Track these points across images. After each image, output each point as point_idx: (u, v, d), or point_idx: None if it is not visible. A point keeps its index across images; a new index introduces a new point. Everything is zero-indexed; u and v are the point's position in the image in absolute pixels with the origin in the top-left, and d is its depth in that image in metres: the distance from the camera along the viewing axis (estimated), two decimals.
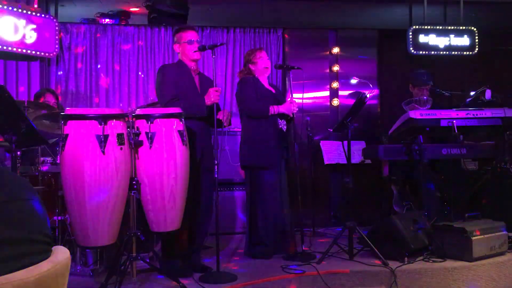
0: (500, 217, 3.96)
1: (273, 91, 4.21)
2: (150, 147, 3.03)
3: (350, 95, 6.06)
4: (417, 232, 3.83)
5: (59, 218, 3.63)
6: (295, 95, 4.72)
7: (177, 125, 3.11)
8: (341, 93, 6.11)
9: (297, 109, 4.07)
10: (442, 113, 4.15)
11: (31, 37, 4.91)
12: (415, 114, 4.09)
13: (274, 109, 3.99)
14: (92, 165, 2.79)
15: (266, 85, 4.18)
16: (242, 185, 5.15)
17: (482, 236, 3.69)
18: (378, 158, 4.43)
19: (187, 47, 3.61)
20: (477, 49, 5.87)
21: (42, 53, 5.06)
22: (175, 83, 3.54)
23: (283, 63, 5.69)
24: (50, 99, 4.56)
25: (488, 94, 4.37)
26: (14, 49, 4.82)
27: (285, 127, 4.11)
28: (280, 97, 4.24)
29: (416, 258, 3.72)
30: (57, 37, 5.11)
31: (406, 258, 3.65)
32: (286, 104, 4.04)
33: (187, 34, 3.63)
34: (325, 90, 6.09)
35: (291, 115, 4.05)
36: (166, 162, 3.05)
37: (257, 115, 4.02)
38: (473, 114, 4.17)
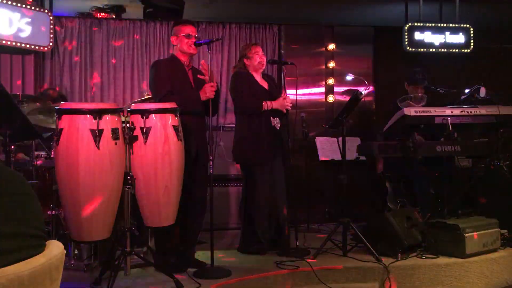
0: (493, 214, 3.98)
1: (266, 87, 4.18)
2: (145, 142, 3.03)
3: (345, 92, 6.07)
4: (411, 229, 3.85)
5: (53, 212, 3.62)
6: (290, 91, 4.72)
7: (172, 120, 3.11)
8: (336, 89, 6.11)
9: (290, 105, 4.05)
10: (437, 110, 4.16)
11: (25, 30, 4.87)
12: (409, 111, 4.10)
13: (267, 105, 3.98)
14: (86, 159, 2.78)
15: (260, 81, 4.17)
16: (237, 180, 5.16)
17: (475, 233, 3.71)
18: (373, 155, 4.45)
19: (184, 40, 3.60)
20: (472, 46, 5.89)
21: (37, 47, 5.02)
22: (169, 78, 3.53)
23: (278, 59, 5.68)
24: None
25: (482, 91, 4.39)
26: (9, 42, 4.79)
27: (278, 125, 4.09)
28: (274, 91, 4.21)
29: (410, 254, 3.74)
30: (51, 30, 5.08)
31: (399, 255, 3.67)
32: (279, 100, 4.02)
33: (185, 28, 3.62)
34: (321, 86, 6.10)
35: (285, 111, 4.04)
36: (161, 157, 3.05)
37: (249, 111, 4.01)
38: (468, 112, 4.19)
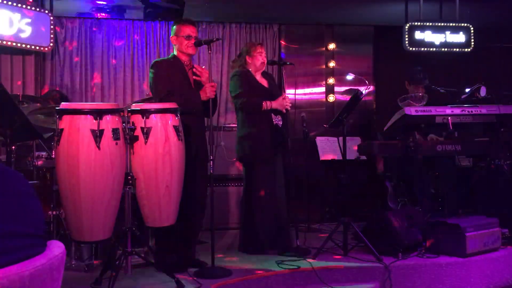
0: (494, 213, 3.98)
1: (266, 85, 4.18)
2: (146, 142, 3.03)
3: (346, 91, 6.07)
4: (411, 228, 3.85)
5: (54, 212, 3.63)
6: (291, 91, 4.73)
7: (173, 120, 3.11)
8: (337, 89, 6.12)
9: (290, 105, 4.06)
10: (437, 109, 4.16)
11: (26, 31, 4.88)
12: (410, 110, 4.10)
13: (266, 105, 3.98)
14: (87, 160, 2.78)
15: (259, 79, 4.17)
16: (237, 180, 5.16)
17: (476, 232, 3.71)
18: (373, 154, 4.45)
19: (184, 41, 3.59)
20: (472, 45, 5.89)
21: (37, 47, 5.03)
22: (168, 78, 3.53)
23: (277, 59, 5.68)
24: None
25: (483, 91, 4.38)
26: (9, 43, 4.79)
27: (280, 122, 4.10)
28: (274, 90, 4.21)
29: (410, 254, 3.74)
30: (52, 31, 5.08)
31: (400, 254, 3.67)
32: (278, 100, 4.03)
33: (185, 29, 3.61)
34: (321, 86, 6.10)
35: (284, 111, 4.05)
36: (161, 157, 3.05)
37: (250, 110, 4.01)
38: (468, 111, 4.19)
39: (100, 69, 5.65)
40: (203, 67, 3.69)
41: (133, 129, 3.04)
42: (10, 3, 4.74)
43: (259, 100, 3.97)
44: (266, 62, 4.18)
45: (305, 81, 5.92)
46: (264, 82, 4.17)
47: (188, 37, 3.59)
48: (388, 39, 6.23)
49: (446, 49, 5.86)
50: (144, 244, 3.42)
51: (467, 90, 4.56)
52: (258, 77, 4.16)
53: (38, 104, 3.92)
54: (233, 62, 4.32)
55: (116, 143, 2.88)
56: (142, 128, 3.03)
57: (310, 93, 6.04)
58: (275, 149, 4.04)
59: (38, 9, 5.00)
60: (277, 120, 4.08)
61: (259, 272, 3.44)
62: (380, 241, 3.77)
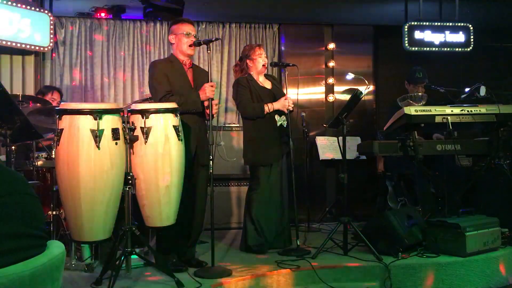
0: (494, 213, 3.98)
1: (270, 86, 4.19)
2: (145, 142, 3.03)
3: (345, 91, 6.07)
4: (411, 228, 3.85)
5: (54, 213, 3.63)
6: (291, 91, 4.73)
7: (172, 120, 3.11)
8: (336, 89, 6.12)
9: (292, 105, 4.06)
10: (437, 109, 4.16)
11: (25, 31, 4.88)
12: (409, 110, 4.10)
13: (268, 108, 4.00)
14: (87, 160, 2.77)
15: (262, 81, 4.18)
16: (237, 180, 5.18)
17: (476, 232, 3.71)
18: (373, 154, 4.44)
19: (183, 39, 3.58)
20: (472, 45, 5.89)
21: (37, 47, 5.03)
22: (167, 78, 3.52)
23: (278, 61, 5.69)
24: (56, 97, 4.67)
25: (482, 90, 4.38)
26: (9, 43, 4.79)
27: (285, 122, 4.11)
28: (278, 91, 4.22)
29: (410, 253, 3.74)
30: (52, 31, 5.08)
31: (400, 254, 3.67)
32: (280, 100, 4.04)
33: (184, 27, 3.60)
34: (321, 86, 6.10)
35: (286, 111, 4.05)
36: (161, 157, 3.05)
37: (253, 117, 4.03)
38: (468, 111, 4.19)
39: (100, 69, 5.65)
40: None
41: (133, 129, 3.04)
42: (10, 3, 4.74)
43: (260, 104, 3.99)
44: (266, 63, 4.18)
45: (305, 81, 5.91)
46: (267, 84, 4.19)
47: (188, 34, 3.57)
48: (388, 39, 6.23)
49: (445, 49, 5.86)
50: (144, 244, 3.41)
51: (467, 90, 4.55)
52: (261, 79, 4.18)
53: (38, 104, 3.93)
54: (235, 66, 4.33)
55: (116, 143, 2.88)
56: (142, 128, 3.03)
57: (310, 93, 6.04)
58: (282, 150, 4.06)
59: (38, 9, 5.00)
60: (282, 121, 4.09)
61: (259, 272, 3.44)
62: (380, 241, 3.77)
